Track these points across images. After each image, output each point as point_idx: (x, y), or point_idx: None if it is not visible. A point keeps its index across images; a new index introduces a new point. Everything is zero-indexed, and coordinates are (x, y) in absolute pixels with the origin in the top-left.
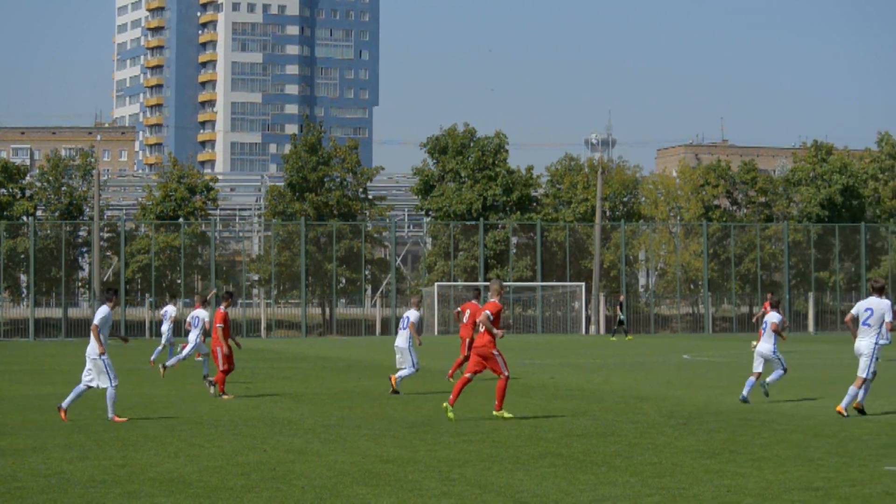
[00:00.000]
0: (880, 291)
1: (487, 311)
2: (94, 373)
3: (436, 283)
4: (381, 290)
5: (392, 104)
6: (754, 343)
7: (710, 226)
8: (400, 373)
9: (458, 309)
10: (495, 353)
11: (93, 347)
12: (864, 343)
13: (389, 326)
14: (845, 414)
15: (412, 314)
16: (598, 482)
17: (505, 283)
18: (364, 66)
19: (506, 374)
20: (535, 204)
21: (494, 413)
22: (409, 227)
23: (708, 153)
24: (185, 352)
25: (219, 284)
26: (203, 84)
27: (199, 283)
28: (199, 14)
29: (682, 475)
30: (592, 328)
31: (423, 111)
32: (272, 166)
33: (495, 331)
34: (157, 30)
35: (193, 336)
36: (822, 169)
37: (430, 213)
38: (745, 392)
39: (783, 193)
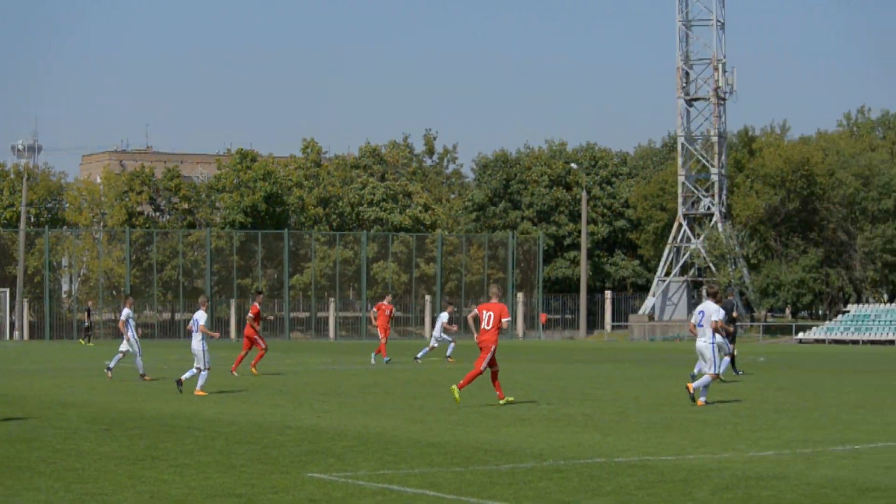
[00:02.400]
0: (714, 296)
1: (505, 317)
2: None
3: None
4: None
5: None
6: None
7: (133, 232)
8: (200, 379)
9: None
10: (493, 349)
11: None
12: (702, 342)
13: None
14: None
15: (201, 316)
16: (21, 487)
17: None
18: None
19: (483, 368)
20: None
21: (453, 387)
22: None
23: (133, 160)
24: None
25: None
26: None
27: None
28: None
29: (106, 481)
30: (17, 334)
31: None
32: None
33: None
34: None
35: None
36: (247, 176)
37: None
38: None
39: (207, 200)
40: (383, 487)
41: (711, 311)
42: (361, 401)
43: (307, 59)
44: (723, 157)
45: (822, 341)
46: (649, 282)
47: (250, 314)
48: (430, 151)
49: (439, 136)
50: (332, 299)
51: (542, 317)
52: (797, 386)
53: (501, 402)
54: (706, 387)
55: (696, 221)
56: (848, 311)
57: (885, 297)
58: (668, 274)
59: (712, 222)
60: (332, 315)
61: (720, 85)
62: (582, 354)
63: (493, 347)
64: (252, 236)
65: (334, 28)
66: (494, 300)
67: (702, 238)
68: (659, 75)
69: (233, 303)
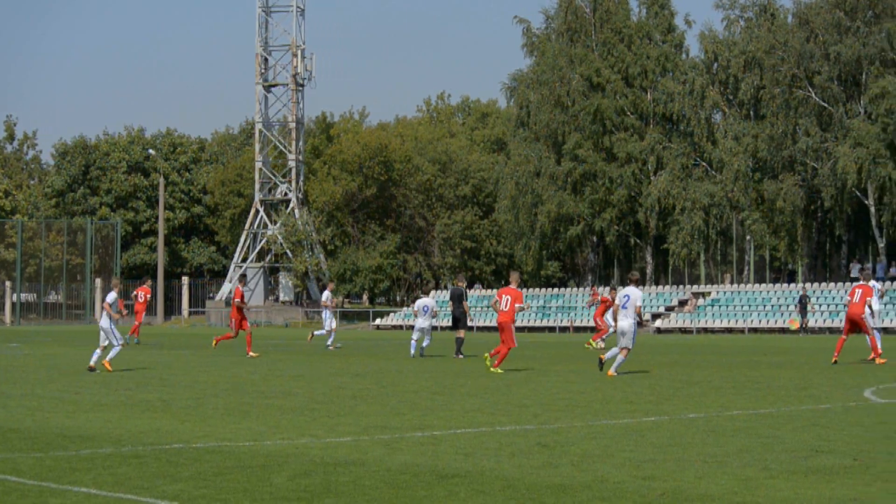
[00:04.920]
0: (637, 283)
1: (519, 303)
2: None
3: None
4: None
5: None
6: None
7: None
8: (111, 353)
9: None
10: (512, 327)
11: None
12: (626, 323)
13: None
14: (616, 374)
15: (110, 295)
16: None
17: None
18: None
19: (513, 344)
20: None
21: (492, 370)
22: None
23: None
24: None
25: None
26: None
27: None
28: None
29: None
30: None
31: None
32: None
33: (524, 306)
34: None
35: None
36: None
37: None
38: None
39: None
40: None
41: (636, 296)
42: None
43: None
44: (300, 144)
45: (400, 327)
46: (226, 268)
47: (236, 298)
48: (11, 137)
49: (19, 121)
50: None
51: (120, 302)
52: (375, 372)
53: (495, 370)
54: (623, 361)
55: (273, 207)
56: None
57: (465, 283)
58: (244, 260)
59: (289, 208)
60: None
61: (299, 71)
62: (161, 340)
63: (512, 325)
64: None
65: None
66: (513, 286)
67: (279, 224)
68: (238, 61)
69: None
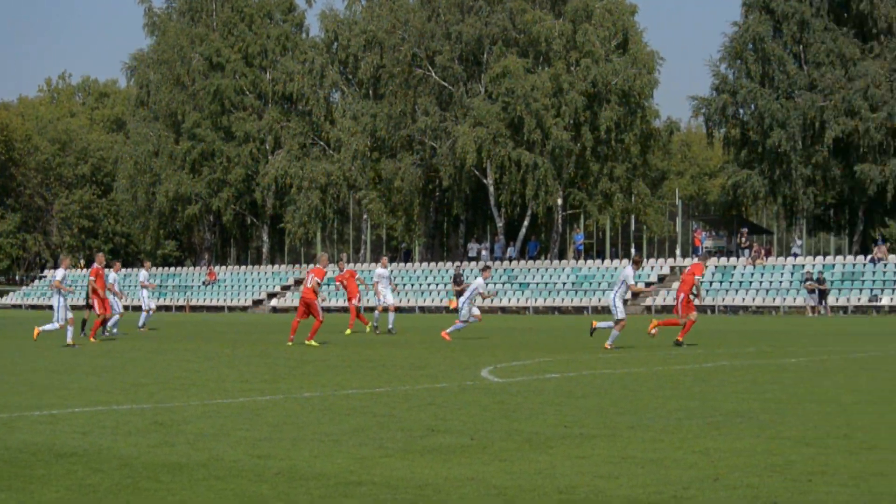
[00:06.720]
0: (636, 264)
1: (317, 278)
2: None
3: None
4: None
5: None
6: None
7: None
8: (48, 325)
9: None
10: (317, 302)
11: None
12: (608, 299)
13: None
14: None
15: (59, 272)
16: None
17: None
18: None
19: (321, 318)
20: None
21: (306, 342)
22: None
23: None
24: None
25: None
26: None
27: None
28: None
29: None
30: None
31: None
32: None
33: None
34: None
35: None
36: None
37: None
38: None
39: None
40: None
41: (624, 273)
42: None
43: None
44: None
45: (20, 306)
46: None
47: (91, 276)
48: None
49: None
50: None
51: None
52: None
53: (310, 343)
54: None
55: None
56: (45, 276)
57: (83, 261)
58: None
59: None
60: None
61: None
62: None
63: (315, 300)
64: None
65: None
66: (321, 266)
67: None
68: None
69: None
